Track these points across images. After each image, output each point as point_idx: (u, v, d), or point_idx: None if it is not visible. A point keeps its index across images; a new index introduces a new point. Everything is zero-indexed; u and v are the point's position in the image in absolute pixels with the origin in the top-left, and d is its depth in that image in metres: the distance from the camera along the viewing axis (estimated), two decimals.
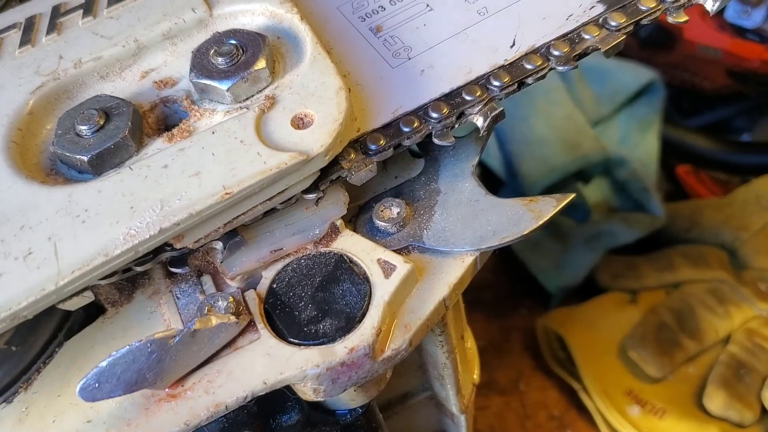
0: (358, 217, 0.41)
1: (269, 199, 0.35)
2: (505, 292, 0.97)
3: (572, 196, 0.39)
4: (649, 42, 1.06)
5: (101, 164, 0.36)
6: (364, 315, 0.36)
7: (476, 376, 0.53)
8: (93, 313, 0.39)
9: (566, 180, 0.96)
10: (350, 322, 0.36)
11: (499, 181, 1.04)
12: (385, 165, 0.43)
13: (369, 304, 0.36)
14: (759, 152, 1.09)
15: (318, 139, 0.35)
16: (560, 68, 0.39)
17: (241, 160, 0.35)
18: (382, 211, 0.40)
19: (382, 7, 0.43)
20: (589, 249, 0.93)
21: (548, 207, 0.38)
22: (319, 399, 0.36)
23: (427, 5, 0.43)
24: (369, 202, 0.41)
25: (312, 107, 0.36)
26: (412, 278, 0.37)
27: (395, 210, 0.40)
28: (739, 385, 0.81)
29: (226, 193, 0.33)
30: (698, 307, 0.87)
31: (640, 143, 1.04)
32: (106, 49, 0.41)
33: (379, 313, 0.35)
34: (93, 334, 0.38)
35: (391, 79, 0.40)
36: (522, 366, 0.89)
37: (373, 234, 0.40)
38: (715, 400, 0.80)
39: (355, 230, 0.40)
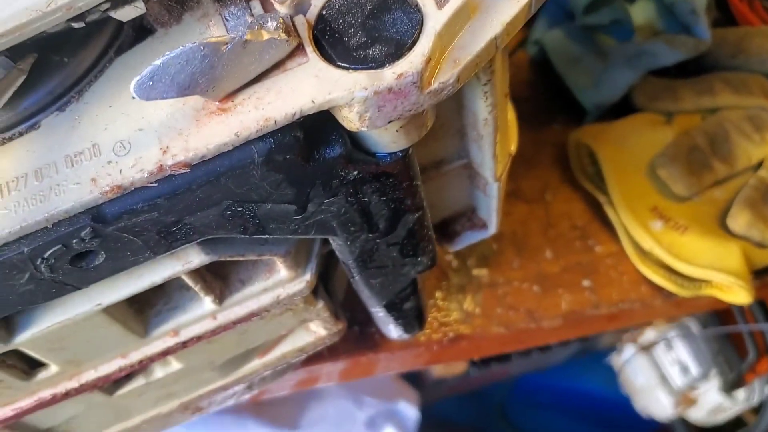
0: None
1: None
2: (540, 106, 0.96)
3: None
4: None
5: None
6: (414, 43, 0.35)
7: (513, 147, 0.54)
8: (143, 37, 0.39)
9: None
10: (400, 48, 0.35)
11: None
12: None
13: (420, 32, 0.35)
14: None
15: None
16: None
17: None
18: None
19: None
20: (629, 67, 0.91)
21: None
22: (363, 128, 0.37)
23: None
24: None
25: None
26: (465, 12, 0.36)
27: None
28: (764, 208, 0.82)
29: None
30: (733, 132, 0.87)
31: None
32: None
33: (429, 42, 0.35)
34: (143, 51, 0.38)
35: None
36: (550, 178, 0.90)
37: None
38: (739, 219, 0.81)
39: None
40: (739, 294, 0.79)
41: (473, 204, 0.59)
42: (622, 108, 0.92)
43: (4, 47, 0.33)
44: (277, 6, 0.37)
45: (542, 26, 0.99)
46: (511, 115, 0.54)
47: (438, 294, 0.81)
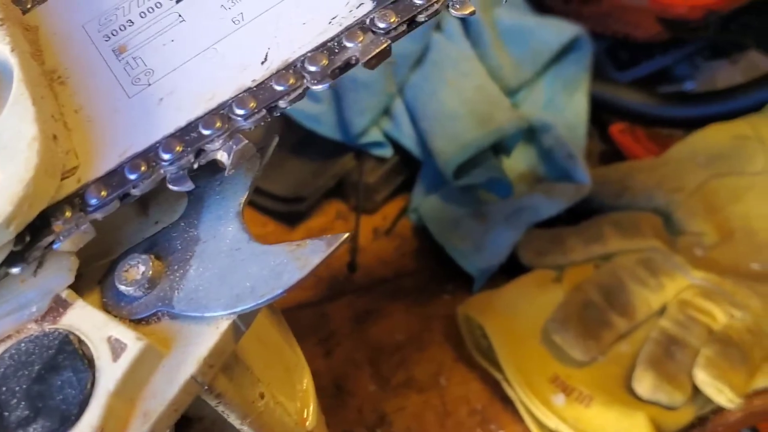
0: (106, 278, 0.35)
1: None
2: (427, 278, 0.91)
3: (346, 235, 0.32)
4: None
5: None
6: (82, 411, 0.30)
7: (309, 422, 0.47)
8: None
9: (483, 155, 0.90)
10: (65, 422, 0.30)
11: (417, 162, 0.97)
12: (147, 208, 0.36)
13: (91, 396, 0.30)
14: (697, 103, 1.02)
15: None
16: (316, 87, 0.32)
17: None
18: (125, 271, 0.34)
19: (130, 22, 0.36)
20: (509, 226, 0.87)
21: (317, 252, 0.32)
22: None
23: (179, 15, 0.36)
24: (123, 255, 0.35)
25: None
26: (151, 356, 0.31)
27: (141, 268, 0.33)
28: (669, 364, 0.76)
29: None
30: (629, 280, 0.82)
31: (567, 105, 0.98)
32: None
33: (100, 407, 0.30)
34: None
35: (126, 111, 0.34)
36: (443, 358, 0.84)
37: (119, 300, 0.34)
38: (644, 383, 0.75)
39: (102, 295, 0.34)
40: None
41: None
42: (513, 265, 0.87)
43: None
44: None
45: (420, 192, 0.95)
46: (306, 384, 0.48)
47: None
